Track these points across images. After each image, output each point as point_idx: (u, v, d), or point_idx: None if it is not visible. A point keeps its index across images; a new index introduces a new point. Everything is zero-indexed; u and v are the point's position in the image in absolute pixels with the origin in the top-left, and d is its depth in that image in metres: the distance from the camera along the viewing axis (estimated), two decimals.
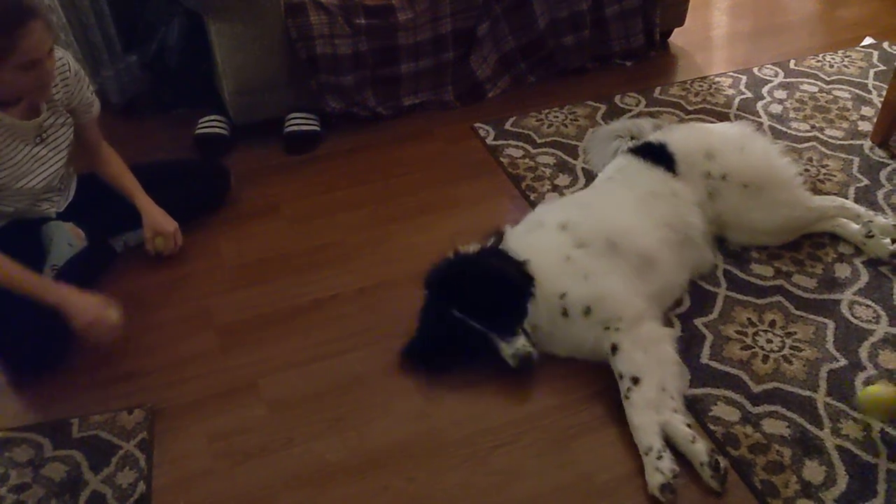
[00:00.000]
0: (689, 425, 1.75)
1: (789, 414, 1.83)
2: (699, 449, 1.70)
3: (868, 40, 3.41)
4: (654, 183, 2.18)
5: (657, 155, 2.24)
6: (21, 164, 2.07)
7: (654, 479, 1.67)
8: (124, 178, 2.34)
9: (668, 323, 2.05)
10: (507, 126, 2.94)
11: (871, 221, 2.27)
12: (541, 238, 2.06)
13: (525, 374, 1.93)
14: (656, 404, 1.77)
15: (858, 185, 2.54)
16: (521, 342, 1.90)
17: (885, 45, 3.34)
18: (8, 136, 2.02)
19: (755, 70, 3.22)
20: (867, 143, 2.74)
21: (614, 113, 2.99)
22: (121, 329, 2.03)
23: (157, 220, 2.33)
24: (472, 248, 2.06)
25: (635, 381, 1.80)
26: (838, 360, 1.96)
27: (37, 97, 2.05)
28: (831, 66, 3.21)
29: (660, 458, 1.69)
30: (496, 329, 1.91)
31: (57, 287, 2.01)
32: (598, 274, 1.94)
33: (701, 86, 3.14)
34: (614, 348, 1.86)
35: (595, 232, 2.02)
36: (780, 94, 3.06)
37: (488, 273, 1.96)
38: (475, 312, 1.92)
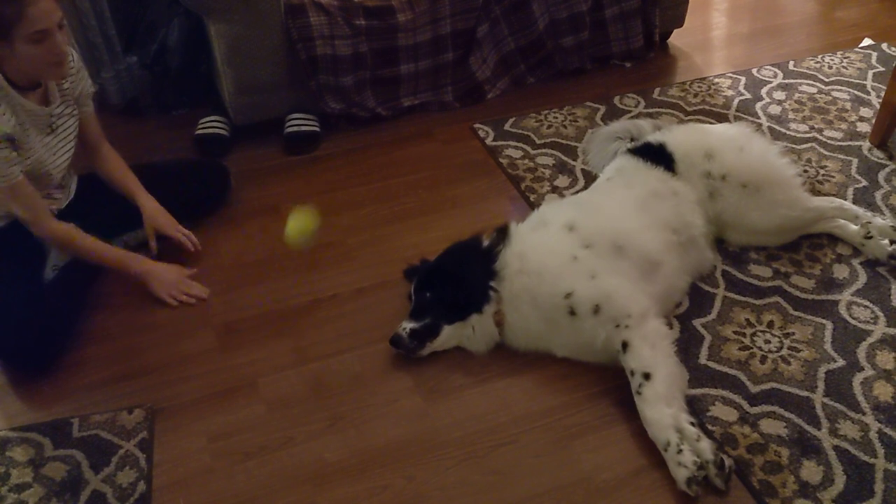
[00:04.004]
0: (693, 423, 1.75)
1: (787, 414, 1.83)
2: (704, 447, 1.69)
3: (867, 41, 3.42)
4: (654, 183, 2.19)
5: (656, 155, 2.24)
6: (37, 151, 2.08)
7: (680, 475, 1.67)
8: (125, 178, 2.35)
9: (667, 325, 2.04)
10: (507, 127, 2.95)
11: (869, 223, 2.27)
12: (546, 237, 2.06)
13: (402, 353, 2.02)
14: (668, 399, 1.78)
15: (857, 186, 2.54)
16: (412, 325, 2.00)
17: (884, 46, 3.35)
18: (27, 120, 2.04)
19: (754, 71, 3.23)
20: (866, 145, 2.74)
21: (613, 114, 2.99)
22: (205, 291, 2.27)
23: (158, 218, 2.33)
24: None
25: (647, 376, 1.80)
26: (836, 361, 1.96)
27: (54, 74, 2.05)
28: (830, 68, 3.22)
29: (679, 451, 1.68)
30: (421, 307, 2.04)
31: (137, 258, 2.24)
32: (605, 273, 1.95)
33: (700, 87, 3.15)
34: (625, 345, 1.85)
35: (601, 233, 2.03)
36: (779, 95, 3.07)
37: (443, 270, 2.10)
38: (423, 288, 2.08)
